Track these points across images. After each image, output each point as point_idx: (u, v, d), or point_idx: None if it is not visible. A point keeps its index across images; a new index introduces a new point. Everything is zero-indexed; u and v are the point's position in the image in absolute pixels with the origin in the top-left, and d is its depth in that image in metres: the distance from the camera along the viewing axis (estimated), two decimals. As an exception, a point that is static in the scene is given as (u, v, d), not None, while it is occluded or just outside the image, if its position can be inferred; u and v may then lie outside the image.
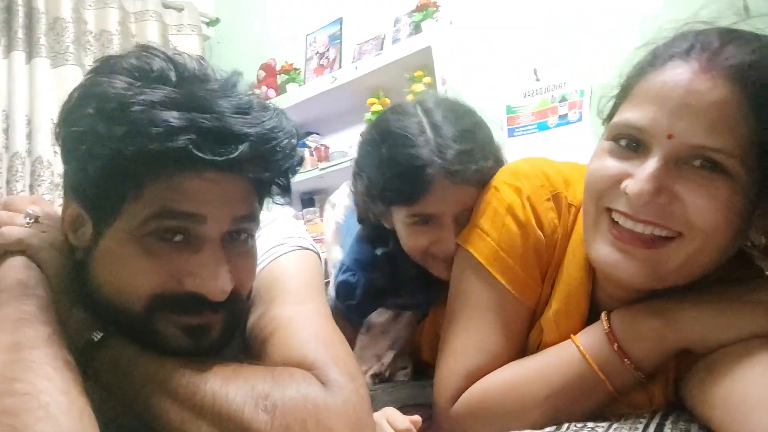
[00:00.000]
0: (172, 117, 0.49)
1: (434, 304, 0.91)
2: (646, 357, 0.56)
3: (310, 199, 2.97)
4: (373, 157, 0.83)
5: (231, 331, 0.60)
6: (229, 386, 0.51)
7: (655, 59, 0.55)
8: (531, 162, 0.71)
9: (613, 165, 0.56)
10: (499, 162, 0.81)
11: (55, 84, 2.39)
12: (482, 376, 0.64)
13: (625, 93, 0.58)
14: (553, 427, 0.56)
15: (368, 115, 2.54)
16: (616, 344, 0.57)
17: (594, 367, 0.57)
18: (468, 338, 0.66)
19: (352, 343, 0.96)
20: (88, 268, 0.57)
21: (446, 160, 0.75)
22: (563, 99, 2.07)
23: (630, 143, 0.55)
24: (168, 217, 0.52)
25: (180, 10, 3.02)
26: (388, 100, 2.55)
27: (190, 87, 0.53)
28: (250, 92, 0.58)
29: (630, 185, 0.53)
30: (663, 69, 0.53)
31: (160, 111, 0.49)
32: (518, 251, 0.65)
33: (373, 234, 0.92)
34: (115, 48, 2.65)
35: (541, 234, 0.65)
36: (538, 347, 0.66)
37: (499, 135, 2.17)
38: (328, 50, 2.82)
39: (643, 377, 0.57)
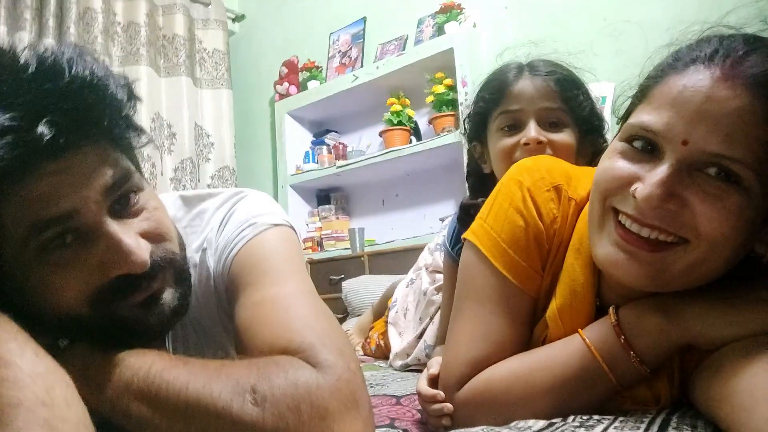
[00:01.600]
0: None
1: None
2: (650, 351, 0.57)
3: (326, 197, 2.99)
4: (478, 89, 1.03)
5: (186, 282, 0.59)
6: (212, 386, 0.49)
7: (677, 62, 0.54)
8: (535, 159, 0.73)
9: (624, 166, 0.55)
10: (586, 93, 0.96)
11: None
12: (487, 364, 0.65)
13: (643, 94, 0.58)
14: (559, 419, 0.57)
15: (387, 115, 2.55)
16: (622, 337, 0.57)
17: (598, 359, 0.58)
18: (473, 327, 0.67)
19: None
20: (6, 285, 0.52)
21: (527, 66, 0.95)
22: (584, 106, 2.06)
23: (644, 146, 0.55)
24: (42, 231, 0.49)
25: (207, 4, 3.07)
26: (408, 101, 2.56)
27: None
28: (37, 47, 0.49)
29: (639, 189, 0.52)
30: (684, 73, 0.53)
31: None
32: (520, 242, 0.66)
33: (478, 183, 1.05)
34: (141, 40, 2.70)
35: (541, 224, 0.66)
36: (543, 342, 0.66)
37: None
38: (350, 49, 2.84)
39: (647, 371, 0.57)
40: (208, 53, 3.03)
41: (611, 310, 0.59)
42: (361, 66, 2.73)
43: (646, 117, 0.54)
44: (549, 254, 0.67)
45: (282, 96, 2.98)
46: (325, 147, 2.86)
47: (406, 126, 2.54)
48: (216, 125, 2.99)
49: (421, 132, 2.60)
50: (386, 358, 1.43)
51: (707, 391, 0.53)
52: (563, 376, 0.60)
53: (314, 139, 3.00)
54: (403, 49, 2.59)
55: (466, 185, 1.11)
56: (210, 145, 2.97)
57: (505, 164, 0.91)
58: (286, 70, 2.99)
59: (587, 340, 0.59)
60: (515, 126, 0.93)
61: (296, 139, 2.98)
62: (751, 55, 0.51)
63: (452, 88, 2.35)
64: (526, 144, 0.90)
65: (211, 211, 0.69)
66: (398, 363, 1.30)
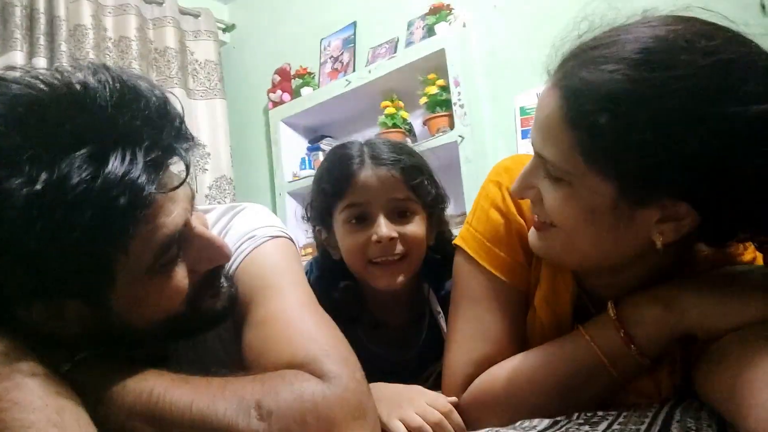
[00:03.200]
0: (115, 170, 0.45)
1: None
2: (650, 343, 0.58)
3: (324, 202, 2.99)
4: (317, 176, 0.98)
5: (229, 277, 0.65)
6: (217, 404, 0.49)
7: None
8: (513, 158, 0.77)
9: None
10: (430, 176, 0.95)
11: (75, 89, 2.45)
12: (488, 363, 0.66)
13: None
14: (563, 417, 0.58)
15: (381, 118, 2.55)
16: (622, 330, 0.58)
17: (597, 353, 0.59)
18: (470, 328, 0.69)
19: None
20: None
21: (370, 154, 0.90)
22: (577, 100, 2.07)
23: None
24: (166, 251, 0.53)
25: (197, 16, 3.07)
26: (401, 103, 2.57)
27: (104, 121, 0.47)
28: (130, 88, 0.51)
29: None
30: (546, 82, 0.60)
31: (98, 172, 0.45)
32: (503, 239, 0.70)
33: (330, 274, 0.96)
34: (133, 54, 2.71)
35: (522, 220, 0.70)
36: (536, 328, 0.68)
37: (512, 137, 2.18)
38: (342, 54, 2.85)
39: (649, 363, 0.58)
40: (200, 64, 3.03)
41: (610, 304, 0.61)
42: (354, 70, 2.74)
43: None
44: None
45: (276, 104, 2.98)
46: (321, 153, 2.85)
47: (401, 128, 2.54)
48: (211, 136, 2.99)
49: (416, 133, 2.60)
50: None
51: (709, 383, 0.54)
52: (565, 373, 0.61)
53: (310, 145, 3.00)
54: (395, 52, 2.59)
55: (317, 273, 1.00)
56: (206, 155, 2.97)
57: (357, 260, 0.89)
58: (278, 78, 2.99)
59: (586, 335, 0.61)
60: (363, 218, 0.89)
61: (292, 146, 2.98)
62: (567, 65, 0.56)
63: (445, 88, 2.35)
64: (377, 241, 0.86)
65: (209, 227, 0.70)
66: None
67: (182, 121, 0.55)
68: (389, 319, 0.96)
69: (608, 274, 0.64)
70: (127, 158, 0.47)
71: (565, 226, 0.58)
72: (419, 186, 0.90)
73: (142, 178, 0.47)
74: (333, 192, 0.90)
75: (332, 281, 0.93)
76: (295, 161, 2.95)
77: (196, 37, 3.05)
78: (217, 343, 0.68)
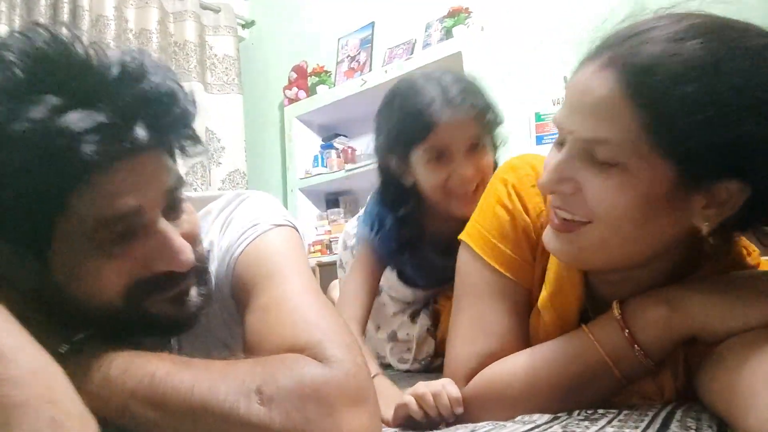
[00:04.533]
0: (69, 122, 0.45)
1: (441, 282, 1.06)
2: (654, 344, 0.57)
3: (335, 200, 3.00)
4: (389, 111, 1.03)
5: (207, 283, 0.61)
6: (218, 388, 0.49)
7: (579, 63, 0.58)
8: (521, 157, 0.76)
9: (548, 161, 0.61)
10: (493, 111, 1.02)
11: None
12: (491, 358, 0.66)
13: None
14: (564, 413, 0.58)
15: (396, 119, 2.56)
16: (626, 331, 0.58)
17: (601, 352, 0.59)
18: (473, 322, 0.69)
19: (378, 276, 1.13)
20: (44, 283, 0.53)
21: (448, 99, 0.95)
22: (593, 108, 2.06)
23: (560, 140, 0.60)
24: (110, 225, 0.51)
25: (217, 11, 3.10)
26: (416, 105, 2.57)
27: (62, 75, 0.47)
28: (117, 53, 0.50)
29: (541, 177, 0.60)
30: (578, 70, 0.57)
31: (52, 120, 0.45)
32: (508, 236, 0.70)
33: (394, 196, 1.07)
34: (153, 46, 2.74)
35: (528, 218, 0.70)
36: (539, 329, 0.68)
37: (527, 142, 2.18)
38: (359, 54, 2.86)
39: (652, 365, 0.58)
40: (218, 59, 3.06)
41: (615, 304, 0.61)
42: (370, 70, 2.75)
43: (557, 113, 0.59)
44: (538, 246, 0.69)
45: (291, 101, 3.00)
46: (334, 151, 2.87)
47: (414, 129, 2.55)
48: (226, 130, 3.02)
49: (430, 135, 2.61)
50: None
51: (710, 384, 0.54)
52: (568, 372, 0.61)
53: (323, 143, 3.02)
54: (411, 53, 2.60)
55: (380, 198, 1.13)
56: (221, 149, 3.00)
57: (437, 192, 0.99)
58: (295, 75, 3.01)
59: (591, 335, 0.60)
60: (441, 155, 0.97)
61: (305, 143, 3.00)
62: (623, 44, 0.53)
63: (460, 91, 2.35)
64: (459, 180, 0.96)
65: (215, 214, 0.70)
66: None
67: (186, 115, 0.54)
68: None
69: (620, 276, 0.62)
70: (88, 119, 0.46)
71: (609, 218, 0.55)
72: (490, 123, 1.01)
73: (90, 139, 0.46)
74: (413, 132, 0.97)
75: (395, 212, 1.05)
76: (308, 158, 2.97)
77: (215, 32, 3.08)
78: (224, 330, 0.68)
